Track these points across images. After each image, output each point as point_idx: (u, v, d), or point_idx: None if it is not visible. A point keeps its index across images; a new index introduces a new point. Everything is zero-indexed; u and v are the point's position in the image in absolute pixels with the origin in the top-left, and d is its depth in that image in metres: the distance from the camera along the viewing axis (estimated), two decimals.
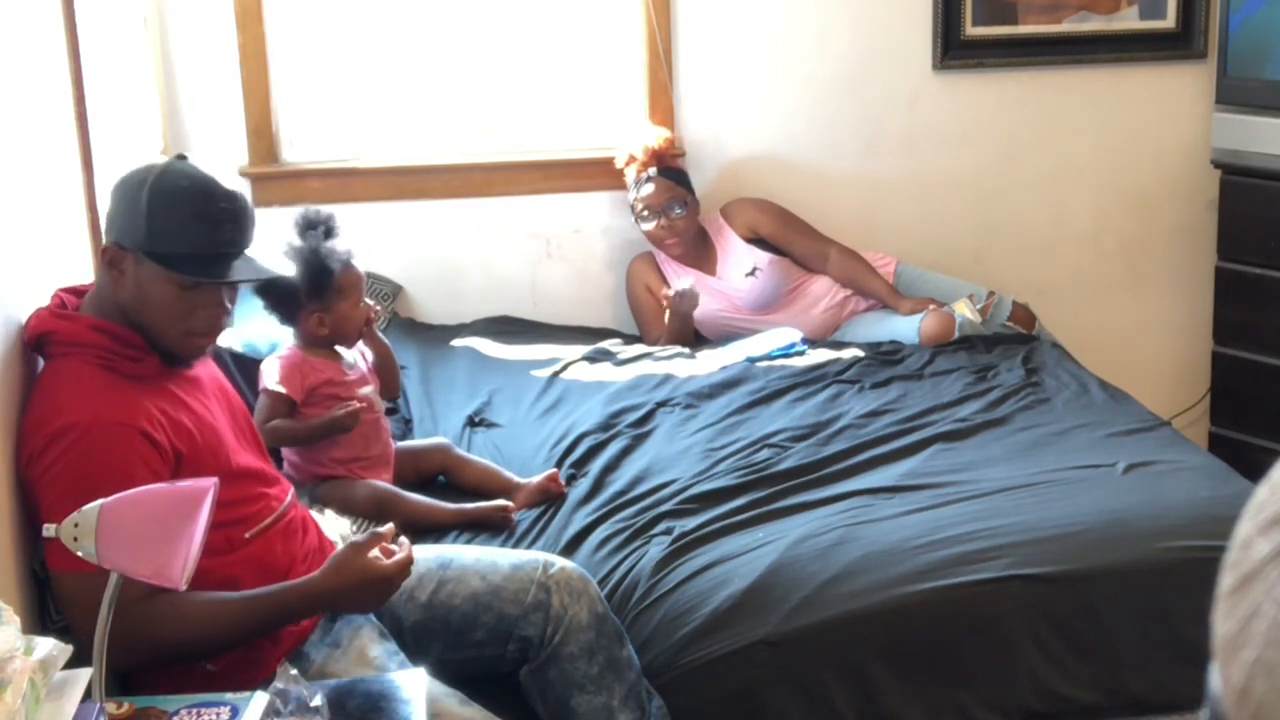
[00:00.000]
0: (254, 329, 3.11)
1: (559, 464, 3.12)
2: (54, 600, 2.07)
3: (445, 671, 2.24)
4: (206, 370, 2.28)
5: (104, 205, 2.59)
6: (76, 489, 1.89)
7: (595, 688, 2.33)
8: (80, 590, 1.92)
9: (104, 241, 2.17)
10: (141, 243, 2.08)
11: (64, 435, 2.00)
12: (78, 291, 2.21)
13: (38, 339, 2.12)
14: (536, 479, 3.01)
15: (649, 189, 3.90)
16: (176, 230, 2.08)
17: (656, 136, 3.93)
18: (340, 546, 2.17)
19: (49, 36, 2.53)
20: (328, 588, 2.08)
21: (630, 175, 3.94)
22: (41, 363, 2.15)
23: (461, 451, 3.16)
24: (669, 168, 3.92)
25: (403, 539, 2.21)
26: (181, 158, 2.18)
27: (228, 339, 2.79)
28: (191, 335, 2.14)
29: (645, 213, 3.92)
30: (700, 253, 4.01)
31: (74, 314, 2.14)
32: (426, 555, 2.48)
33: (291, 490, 2.34)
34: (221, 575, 2.09)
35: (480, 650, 2.36)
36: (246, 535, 2.17)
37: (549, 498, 2.97)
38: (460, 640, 2.36)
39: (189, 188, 2.09)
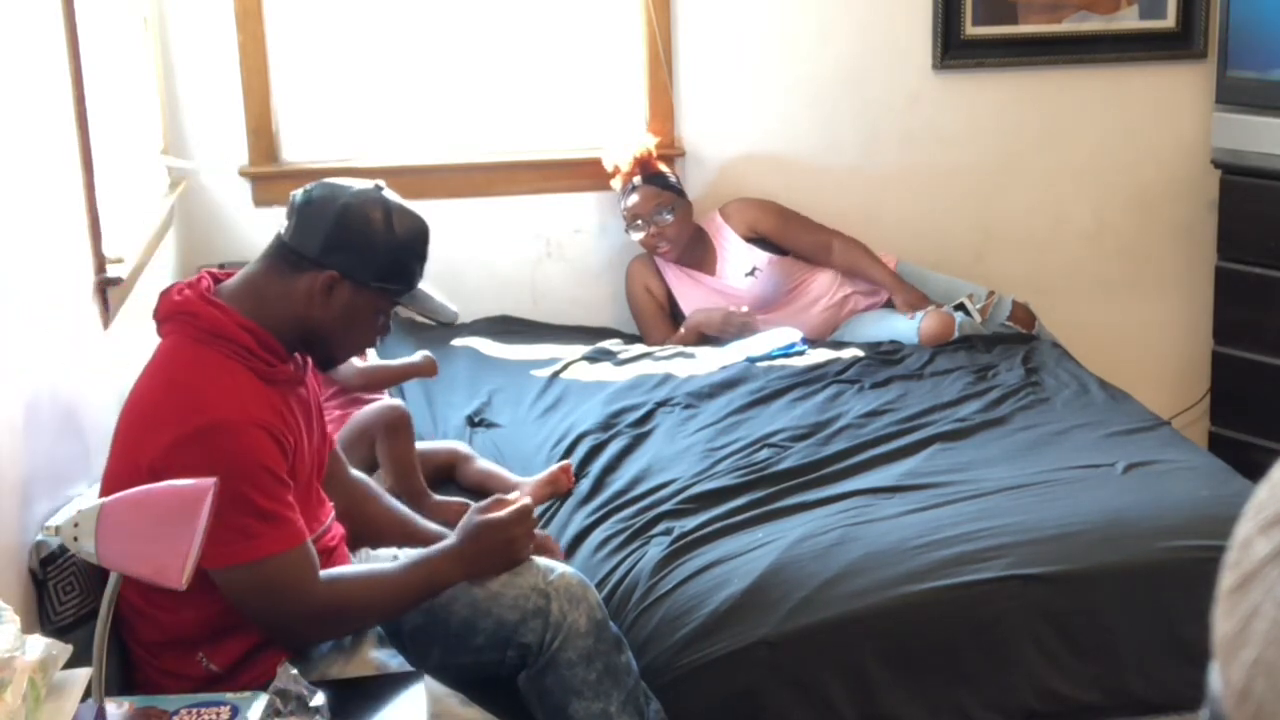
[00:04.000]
0: None
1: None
2: (51, 601, 2.07)
3: (444, 676, 2.24)
4: (312, 390, 2.32)
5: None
6: (226, 486, 1.87)
7: (593, 694, 2.33)
8: (237, 583, 2.05)
9: (304, 257, 2.16)
10: (372, 275, 2.18)
11: (211, 434, 2.00)
12: (216, 277, 2.22)
13: (176, 315, 2.12)
14: (546, 471, 3.02)
15: (635, 198, 3.90)
16: (406, 269, 2.25)
17: (640, 145, 3.93)
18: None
19: (49, 36, 2.53)
20: (464, 549, 2.23)
21: (617, 185, 3.95)
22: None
23: (469, 451, 3.18)
24: (654, 174, 3.92)
25: (522, 496, 2.38)
26: (379, 188, 2.25)
27: None
28: (371, 345, 2.37)
29: (638, 222, 3.92)
30: (698, 253, 4.00)
31: (222, 303, 2.14)
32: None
33: (333, 514, 2.36)
34: None
35: (479, 656, 2.36)
36: None
37: (557, 491, 2.98)
38: (459, 646, 2.35)
39: (422, 232, 2.25)
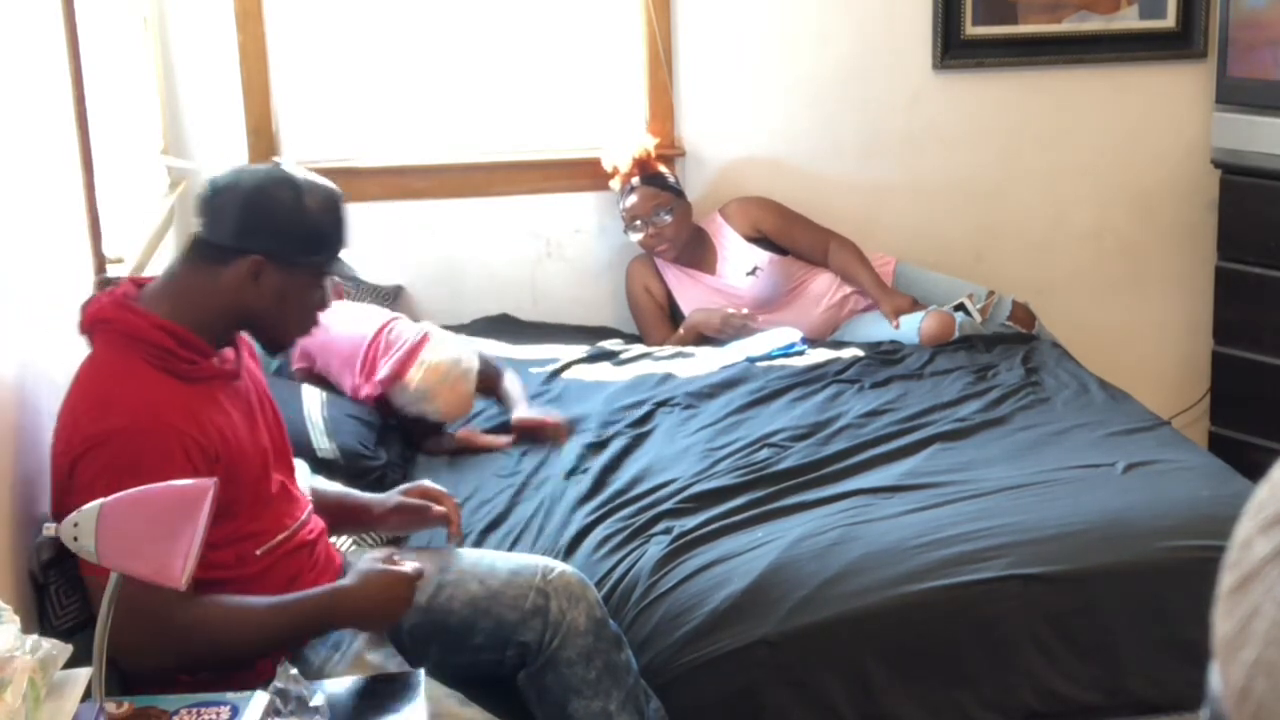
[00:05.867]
0: None
1: (569, 471, 3.14)
2: (53, 604, 2.07)
3: (443, 676, 2.24)
4: (254, 382, 2.28)
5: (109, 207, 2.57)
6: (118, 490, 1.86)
7: (592, 692, 2.33)
8: (97, 590, 1.91)
9: (223, 247, 2.13)
10: (297, 253, 2.15)
11: (113, 438, 1.98)
12: (138, 283, 2.20)
13: (95, 324, 2.10)
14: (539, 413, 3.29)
15: (633, 199, 3.91)
16: (328, 238, 2.20)
17: (638, 145, 3.93)
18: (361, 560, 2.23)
19: (49, 36, 2.53)
20: (350, 591, 2.11)
21: (616, 186, 3.95)
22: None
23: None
24: (652, 174, 3.92)
25: (415, 563, 2.22)
26: (278, 164, 2.24)
27: None
28: (314, 323, 2.27)
29: (636, 223, 3.93)
30: (698, 253, 4.00)
31: (137, 308, 2.11)
32: (425, 557, 2.47)
33: (309, 508, 2.33)
34: (235, 590, 2.08)
35: (478, 655, 2.36)
36: (257, 552, 2.16)
37: (543, 435, 3.20)
38: (458, 645, 2.35)
39: (333, 198, 2.21)
